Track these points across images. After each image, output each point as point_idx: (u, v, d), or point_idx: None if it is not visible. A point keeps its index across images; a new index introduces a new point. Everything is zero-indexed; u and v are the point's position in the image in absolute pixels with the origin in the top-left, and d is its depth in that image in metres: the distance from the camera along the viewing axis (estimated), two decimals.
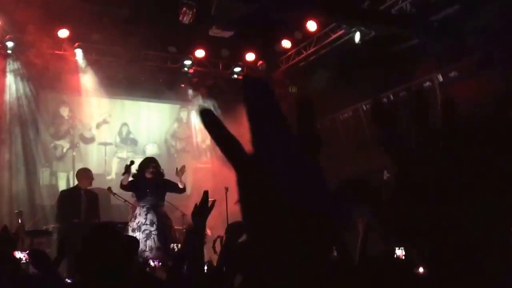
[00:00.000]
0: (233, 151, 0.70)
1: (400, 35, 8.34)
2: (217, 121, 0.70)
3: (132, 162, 6.87)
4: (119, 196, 7.30)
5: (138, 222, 6.45)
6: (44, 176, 9.33)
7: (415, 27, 7.99)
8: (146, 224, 6.42)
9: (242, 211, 0.69)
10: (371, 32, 8.41)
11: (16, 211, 7.09)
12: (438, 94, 7.96)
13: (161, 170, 6.81)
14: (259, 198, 0.66)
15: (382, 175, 8.61)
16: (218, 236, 8.88)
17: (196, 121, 10.89)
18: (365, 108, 9.26)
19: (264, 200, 0.66)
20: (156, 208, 6.60)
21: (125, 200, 7.23)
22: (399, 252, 5.68)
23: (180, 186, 6.78)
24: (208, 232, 9.01)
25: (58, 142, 9.68)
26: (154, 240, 6.35)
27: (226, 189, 8.57)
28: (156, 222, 6.46)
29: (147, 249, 6.30)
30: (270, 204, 0.66)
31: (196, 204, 2.44)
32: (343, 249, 2.87)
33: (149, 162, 6.76)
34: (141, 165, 6.74)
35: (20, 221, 6.50)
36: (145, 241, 6.31)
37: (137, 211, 6.63)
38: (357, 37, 8.43)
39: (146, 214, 6.50)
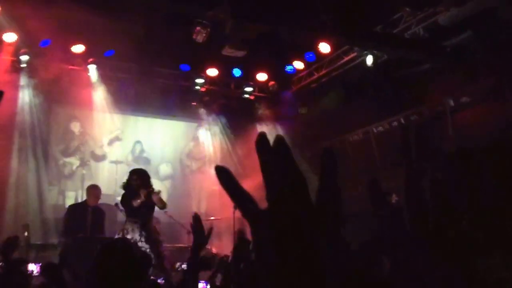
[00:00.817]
0: (247, 207, 0.75)
1: (412, 59, 8.34)
2: (232, 179, 0.75)
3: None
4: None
5: (132, 239, 6.15)
6: (51, 194, 9.22)
7: (427, 51, 8.00)
8: (142, 241, 6.16)
9: (255, 261, 0.72)
10: (383, 56, 8.44)
11: (23, 224, 7.10)
12: (449, 119, 7.93)
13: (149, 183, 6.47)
14: (271, 252, 0.68)
15: (390, 198, 8.53)
16: (225, 255, 8.83)
17: (212, 141, 10.91)
18: (375, 131, 9.22)
19: (276, 255, 0.68)
20: (148, 223, 6.37)
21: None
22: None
23: (159, 205, 6.46)
24: (214, 250, 8.96)
25: (67, 160, 9.58)
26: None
27: (235, 207, 8.54)
28: (150, 239, 6.23)
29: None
30: (281, 259, 0.67)
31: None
32: None
33: (132, 175, 6.44)
34: (129, 180, 6.46)
35: (26, 234, 6.49)
36: None
37: (128, 226, 6.32)
38: (370, 60, 8.45)
39: (140, 231, 6.25)
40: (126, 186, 6.38)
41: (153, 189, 6.35)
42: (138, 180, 6.28)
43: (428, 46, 7.86)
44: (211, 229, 2.61)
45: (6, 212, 8.30)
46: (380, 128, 9.13)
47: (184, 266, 6.08)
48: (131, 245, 2.65)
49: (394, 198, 8.38)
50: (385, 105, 8.74)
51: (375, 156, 9.15)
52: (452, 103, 7.94)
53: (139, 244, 6.11)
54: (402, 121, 8.61)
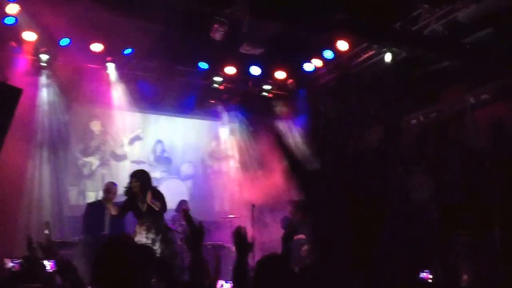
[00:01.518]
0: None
1: (432, 56, 8.23)
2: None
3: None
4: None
5: (139, 241, 6.15)
6: (72, 194, 9.33)
7: (446, 49, 7.89)
8: (148, 243, 6.16)
9: None
10: (402, 53, 8.34)
11: (44, 221, 7.20)
12: (469, 117, 7.82)
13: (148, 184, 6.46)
14: None
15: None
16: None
17: (232, 139, 10.93)
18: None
19: None
20: (155, 225, 6.37)
21: None
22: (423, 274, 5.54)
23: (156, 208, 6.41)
24: (233, 249, 8.99)
25: (87, 159, 9.64)
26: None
27: (253, 206, 8.58)
28: (162, 240, 6.24)
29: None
30: None
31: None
32: None
33: (131, 178, 6.44)
34: (129, 184, 6.46)
35: (47, 232, 6.56)
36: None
37: (136, 229, 6.40)
38: (388, 57, 8.36)
39: (146, 233, 6.28)
40: (127, 190, 6.38)
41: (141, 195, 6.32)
42: (137, 183, 6.29)
43: (447, 44, 7.74)
44: (201, 223, 2.66)
45: (25, 211, 8.43)
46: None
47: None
48: (129, 241, 2.64)
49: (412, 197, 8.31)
50: (404, 103, 8.66)
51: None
52: (472, 100, 7.82)
53: (151, 246, 6.08)
54: (421, 119, 8.52)
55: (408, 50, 8.23)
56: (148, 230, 6.26)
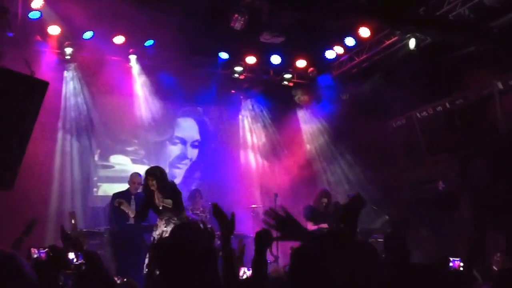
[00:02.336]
0: None
1: (458, 41, 8.04)
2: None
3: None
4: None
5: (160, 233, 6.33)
6: (96, 186, 9.53)
7: (473, 33, 7.68)
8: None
9: None
10: (426, 39, 8.16)
11: (69, 211, 7.33)
12: (497, 102, 7.63)
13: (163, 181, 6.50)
14: None
15: (436, 186, 8.32)
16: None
17: (253, 128, 10.95)
18: (419, 116, 8.98)
19: None
20: (172, 219, 6.40)
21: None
22: (456, 263, 5.46)
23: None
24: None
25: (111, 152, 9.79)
26: None
27: (276, 195, 8.58)
28: None
29: None
30: None
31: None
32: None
33: (147, 175, 6.51)
34: (145, 181, 6.55)
35: (73, 222, 6.69)
36: None
37: (157, 223, 6.50)
38: (412, 43, 8.19)
39: (165, 227, 6.34)
40: (144, 188, 6.48)
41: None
42: (153, 181, 6.36)
43: (473, 28, 7.54)
44: (233, 214, 2.64)
45: (53, 202, 8.61)
46: (424, 113, 8.88)
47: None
48: (199, 227, 2.66)
49: (441, 185, 8.19)
50: (429, 89, 8.50)
51: (419, 142, 8.93)
52: (500, 85, 7.63)
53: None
54: (447, 105, 8.35)
55: (433, 36, 8.04)
56: (167, 224, 6.34)
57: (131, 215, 6.71)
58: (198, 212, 8.39)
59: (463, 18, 7.37)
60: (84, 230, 7.28)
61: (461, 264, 5.33)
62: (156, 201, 6.37)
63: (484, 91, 7.85)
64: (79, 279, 3.04)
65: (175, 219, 6.36)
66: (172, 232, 2.63)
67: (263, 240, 2.60)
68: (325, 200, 8.01)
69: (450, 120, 8.31)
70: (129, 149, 9.87)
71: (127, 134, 9.87)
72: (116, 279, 4.95)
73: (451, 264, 5.36)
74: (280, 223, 2.24)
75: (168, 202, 6.34)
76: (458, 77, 8.09)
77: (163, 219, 6.40)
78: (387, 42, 8.87)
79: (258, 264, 2.60)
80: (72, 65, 9.18)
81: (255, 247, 2.61)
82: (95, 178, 9.55)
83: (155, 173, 6.48)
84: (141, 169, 8.66)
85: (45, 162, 8.56)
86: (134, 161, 9.80)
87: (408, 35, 8.24)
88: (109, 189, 9.13)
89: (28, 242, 4.73)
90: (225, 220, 2.57)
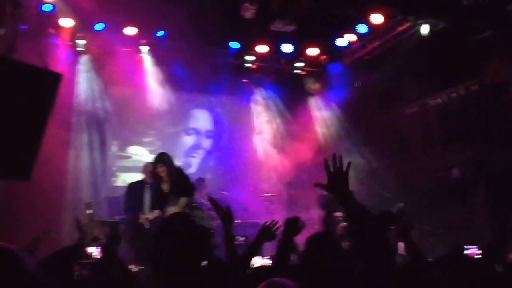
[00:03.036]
0: None
1: (472, 26, 7.90)
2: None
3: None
4: None
5: None
6: (111, 176, 9.64)
7: (489, 18, 7.54)
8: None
9: None
10: (440, 24, 8.04)
11: (86, 202, 7.40)
12: None
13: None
14: None
15: (449, 173, 8.26)
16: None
17: (266, 117, 10.98)
18: (433, 103, 8.88)
19: None
20: (175, 207, 6.41)
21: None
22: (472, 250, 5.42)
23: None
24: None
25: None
26: None
27: (290, 183, 8.58)
28: None
29: None
30: None
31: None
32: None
33: (155, 161, 6.54)
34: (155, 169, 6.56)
35: (90, 212, 6.75)
36: None
37: (167, 208, 6.49)
38: (425, 29, 8.09)
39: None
40: (153, 175, 6.48)
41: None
42: (163, 167, 6.37)
43: (489, 12, 7.40)
44: (228, 207, 2.78)
45: (68, 193, 8.73)
46: (438, 100, 8.78)
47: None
48: (190, 219, 2.68)
49: (455, 172, 8.12)
50: (443, 76, 8.38)
51: (432, 129, 8.85)
52: None
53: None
54: (462, 92, 8.24)
55: (447, 21, 7.92)
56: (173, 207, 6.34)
57: (151, 217, 6.65)
58: (203, 200, 8.48)
59: (478, 2, 7.24)
60: (102, 220, 7.33)
61: (478, 251, 5.30)
62: (164, 187, 6.35)
63: (500, 77, 7.73)
64: (95, 269, 3.09)
65: (180, 209, 6.34)
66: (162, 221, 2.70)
67: (292, 228, 2.73)
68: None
69: (465, 107, 8.20)
70: (145, 140, 10.06)
71: (143, 125, 10.02)
72: (133, 267, 5.02)
73: (467, 252, 5.33)
74: (335, 174, 2.19)
75: (154, 214, 6.40)
76: (473, 63, 7.96)
77: (172, 207, 6.38)
78: (400, 29, 8.76)
79: (283, 250, 2.72)
80: (85, 57, 9.24)
81: (283, 234, 2.73)
82: (114, 168, 9.73)
83: (164, 159, 6.50)
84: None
85: (60, 154, 8.63)
86: (151, 152, 9.90)
87: (421, 20, 8.13)
88: (127, 179, 9.22)
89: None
90: (222, 212, 2.71)
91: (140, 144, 10.00)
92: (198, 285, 2.16)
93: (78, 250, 3.76)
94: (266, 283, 1.63)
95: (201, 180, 8.76)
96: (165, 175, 6.40)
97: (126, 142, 9.90)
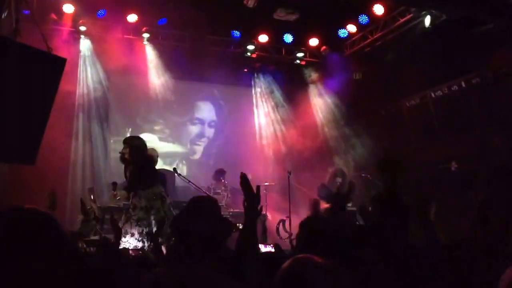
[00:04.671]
0: None
1: (475, 18, 7.90)
2: None
3: None
4: (184, 177, 7.45)
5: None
6: (112, 162, 9.60)
7: (491, 10, 7.54)
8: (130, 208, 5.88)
9: None
10: (442, 16, 8.04)
11: (88, 187, 7.43)
12: None
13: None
14: None
15: (449, 166, 8.28)
16: (281, 220, 8.96)
17: (265, 107, 11.01)
18: (433, 95, 8.90)
19: None
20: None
21: (189, 181, 7.36)
22: None
23: None
24: (269, 216, 9.09)
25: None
26: None
27: (289, 173, 8.60)
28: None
29: None
30: None
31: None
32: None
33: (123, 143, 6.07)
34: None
35: (92, 197, 6.77)
36: None
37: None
38: (428, 21, 8.08)
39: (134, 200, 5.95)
40: (121, 157, 6.04)
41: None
42: (126, 150, 5.94)
43: (492, 4, 7.41)
44: (258, 187, 2.67)
45: (71, 178, 8.75)
46: (439, 93, 8.79)
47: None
48: (216, 206, 2.68)
49: (453, 166, 8.15)
50: (444, 68, 8.39)
51: (433, 122, 8.87)
52: None
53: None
54: (463, 84, 8.25)
55: (449, 13, 7.91)
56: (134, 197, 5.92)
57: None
58: (219, 191, 8.70)
59: None
60: (104, 206, 7.34)
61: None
62: (128, 172, 6.02)
63: (502, 69, 7.74)
64: (104, 248, 3.10)
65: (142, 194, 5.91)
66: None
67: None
68: (339, 179, 7.97)
69: (466, 100, 8.21)
70: (156, 128, 10.25)
71: (146, 113, 10.09)
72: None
73: None
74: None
75: (122, 194, 6.03)
76: (475, 55, 7.96)
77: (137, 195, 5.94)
78: (402, 20, 8.76)
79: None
80: (87, 44, 9.21)
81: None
82: (112, 154, 9.71)
83: (127, 141, 6.11)
84: (167, 147, 10.08)
85: (63, 140, 8.65)
86: (160, 139, 10.24)
87: (424, 12, 8.13)
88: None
89: None
90: (250, 191, 2.60)
91: (152, 132, 10.15)
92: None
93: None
94: (293, 260, 1.63)
95: (221, 171, 8.90)
96: (128, 157, 5.94)
97: (138, 130, 9.83)
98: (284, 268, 1.59)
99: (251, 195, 2.59)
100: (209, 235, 2.23)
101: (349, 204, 7.49)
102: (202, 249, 2.12)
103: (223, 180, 8.86)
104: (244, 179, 2.61)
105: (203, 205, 2.53)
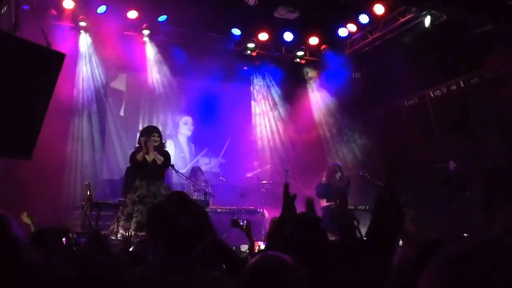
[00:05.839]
0: None
1: (474, 19, 7.91)
2: None
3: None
4: (181, 174, 7.48)
5: (140, 195, 6.08)
6: (110, 158, 9.63)
7: (490, 11, 7.55)
8: (149, 197, 6.00)
9: None
10: (442, 16, 8.05)
11: (85, 183, 7.45)
12: None
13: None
14: None
15: (447, 165, 8.30)
16: (273, 218, 8.97)
17: (264, 106, 10.99)
18: (432, 95, 8.91)
19: None
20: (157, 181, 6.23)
21: (187, 178, 7.39)
22: None
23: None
24: (266, 213, 9.11)
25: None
26: None
27: (287, 171, 8.62)
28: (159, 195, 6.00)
29: None
30: None
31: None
32: None
33: (152, 131, 6.37)
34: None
35: (88, 193, 6.79)
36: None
37: (138, 182, 6.23)
38: (427, 21, 8.09)
39: (148, 187, 6.13)
40: (144, 144, 6.23)
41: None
42: (158, 137, 6.26)
43: (491, 6, 7.42)
44: (294, 195, 2.87)
45: (67, 173, 8.77)
46: (438, 92, 8.80)
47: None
48: (187, 200, 2.70)
49: (452, 165, 8.17)
50: (443, 68, 8.40)
51: (431, 121, 8.88)
52: None
53: (146, 200, 6.00)
54: (462, 84, 8.27)
55: (449, 13, 7.93)
56: (149, 186, 6.13)
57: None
58: (200, 187, 8.54)
59: None
60: (100, 201, 7.37)
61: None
62: (150, 154, 6.16)
63: (501, 70, 7.75)
64: (91, 238, 3.13)
65: (158, 183, 6.18)
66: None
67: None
68: (338, 174, 8.12)
69: (464, 100, 8.23)
70: (154, 124, 9.85)
71: (148, 110, 10.10)
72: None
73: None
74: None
75: (159, 158, 6.18)
76: (474, 56, 7.98)
77: (144, 180, 6.17)
78: (402, 20, 8.76)
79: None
80: (86, 39, 9.22)
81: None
82: (109, 151, 9.70)
83: (159, 130, 6.44)
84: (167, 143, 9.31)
85: (62, 135, 8.68)
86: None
87: (424, 12, 8.14)
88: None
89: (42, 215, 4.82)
90: (290, 203, 2.84)
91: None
92: None
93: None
94: (261, 256, 1.65)
95: (198, 169, 8.87)
96: (157, 145, 6.21)
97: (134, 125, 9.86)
98: (252, 264, 1.63)
99: (289, 206, 2.89)
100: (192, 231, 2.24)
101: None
102: (185, 244, 2.14)
103: (201, 176, 8.77)
104: (286, 189, 3.00)
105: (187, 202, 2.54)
